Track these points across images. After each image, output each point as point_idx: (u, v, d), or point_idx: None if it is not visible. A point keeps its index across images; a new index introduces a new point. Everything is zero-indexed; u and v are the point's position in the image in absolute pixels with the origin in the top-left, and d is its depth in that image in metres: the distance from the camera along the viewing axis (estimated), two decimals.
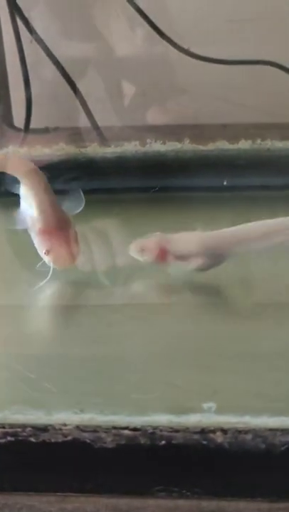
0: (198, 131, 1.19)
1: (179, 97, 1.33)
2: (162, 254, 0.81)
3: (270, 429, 0.55)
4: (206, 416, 0.57)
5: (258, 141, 1.05)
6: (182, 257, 0.81)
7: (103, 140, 1.15)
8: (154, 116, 1.31)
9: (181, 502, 0.59)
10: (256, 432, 0.55)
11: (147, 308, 0.80)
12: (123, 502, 0.59)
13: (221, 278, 0.83)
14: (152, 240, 0.82)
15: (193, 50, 1.24)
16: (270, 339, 0.72)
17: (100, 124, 1.19)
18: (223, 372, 0.67)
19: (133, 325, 0.77)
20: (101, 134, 1.18)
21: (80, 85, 1.23)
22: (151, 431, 0.56)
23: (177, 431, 0.56)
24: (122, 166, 1.06)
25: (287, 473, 0.57)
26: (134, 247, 0.83)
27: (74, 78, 1.20)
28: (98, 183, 1.05)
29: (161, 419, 0.57)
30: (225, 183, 1.02)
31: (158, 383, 0.64)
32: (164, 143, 1.07)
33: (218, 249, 0.81)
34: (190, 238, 0.81)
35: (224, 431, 0.56)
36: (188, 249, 0.80)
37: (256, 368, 0.67)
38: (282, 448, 0.55)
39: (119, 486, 0.59)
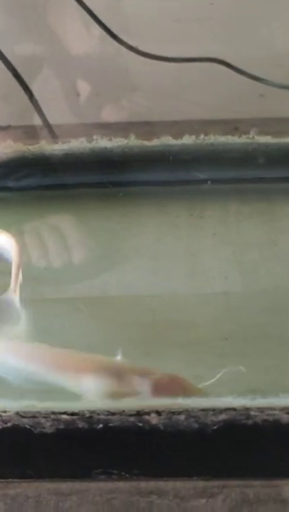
0: (149, 128, 1.21)
1: (130, 95, 1.35)
2: None
3: (202, 410, 0.58)
4: (141, 398, 0.59)
5: (202, 136, 1.07)
6: None
7: (55, 138, 1.16)
8: (107, 114, 1.33)
9: (120, 484, 0.61)
10: (189, 413, 0.57)
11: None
12: (65, 486, 0.61)
13: None
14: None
15: (143, 49, 1.26)
16: None
17: (52, 122, 1.21)
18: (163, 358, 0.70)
19: (78, 316, 0.79)
20: (52, 132, 1.19)
21: (32, 84, 1.24)
22: (88, 415, 0.58)
23: (113, 414, 0.58)
24: (70, 163, 1.08)
25: (220, 452, 0.59)
26: None
27: (26, 77, 1.20)
28: (47, 179, 1.06)
29: (98, 403, 0.59)
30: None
31: None
32: (111, 139, 1.09)
33: None
34: None
35: (158, 412, 0.58)
36: None
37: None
38: (214, 427, 0.57)
39: (60, 470, 0.61)
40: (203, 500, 0.59)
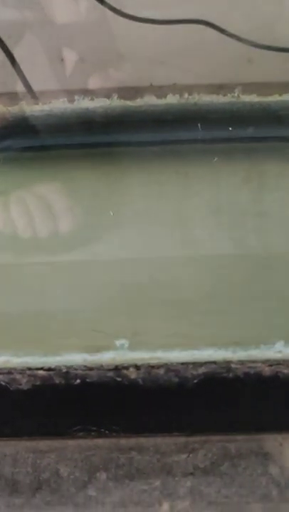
0: (134, 93, 1.18)
1: (116, 60, 1.32)
2: None
3: (182, 363, 0.56)
4: (120, 353, 0.57)
5: (185, 95, 1.05)
6: None
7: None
8: (91, 80, 1.30)
9: (100, 441, 0.60)
10: (168, 367, 0.56)
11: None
12: (43, 444, 0.60)
13: None
14: None
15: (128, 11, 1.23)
16: None
17: (36, 88, 1.18)
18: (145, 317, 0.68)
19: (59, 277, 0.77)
20: (36, 98, 1.16)
21: (15, 50, 1.21)
22: (65, 370, 0.56)
23: (91, 369, 0.56)
24: (51, 124, 1.05)
25: (200, 406, 0.58)
26: None
27: (9, 43, 1.17)
28: (28, 141, 1.04)
29: (75, 358, 0.57)
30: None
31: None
32: (93, 99, 1.06)
33: None
34: None
35: (137, 367, 0.56)
36: None
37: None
38: (195, 381, 0.56)
39: (37, 427, 0.59)
40: (184, 456, 0.58)
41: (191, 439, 0.59)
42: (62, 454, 0.59)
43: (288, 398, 0.57)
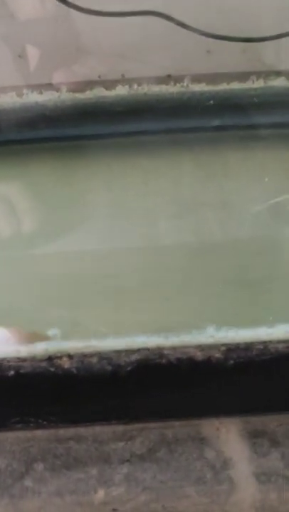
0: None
1: (73, 55, 1.32)
2: None
3: (115, 351, 0.56)
4: (52, 343, 0.57)
5: (135, 86, 1.05)
6: None
7: None
8: (49, 76, 1.30)
9: (38, 432, 0.60)
10: (101, 355, 0.56)
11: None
12: None
13: None
14: None
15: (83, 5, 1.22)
16: None
17: None
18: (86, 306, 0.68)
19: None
20: None
21: None
22: None
23: (24, 360, 0.56)
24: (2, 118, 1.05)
25: (136, 394, 0.58)
26: None
27: None
28: None
29: (8, 349, 0.57)
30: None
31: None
32: (41, 92, 1.06)
33: None
34: None
35: (70, 356, 0.56)
36: None
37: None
38: (128, 368, 0.56)
39: None
40: (122, 443, 0.58)
41: (129, 426, 0.59)
42: (1, 446, 0.59)
43: (222, 382, 0.57)
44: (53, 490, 0.55)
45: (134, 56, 1.27)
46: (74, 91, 1.06)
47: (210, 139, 1.01)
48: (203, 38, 1.21)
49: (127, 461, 0.57)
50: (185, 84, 1.07)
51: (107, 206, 0.92)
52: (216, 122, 1.03)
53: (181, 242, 0.81)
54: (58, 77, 1.28)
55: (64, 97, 1.06)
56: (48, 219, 0.89)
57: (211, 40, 1.22)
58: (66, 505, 0.55)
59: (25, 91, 1.06)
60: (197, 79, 1.12)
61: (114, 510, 0.54)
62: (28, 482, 0.56)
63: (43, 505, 0.55)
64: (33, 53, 1.31)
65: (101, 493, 0.55)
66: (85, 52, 1.27)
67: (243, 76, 1.12)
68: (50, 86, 1.08)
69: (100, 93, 1.06)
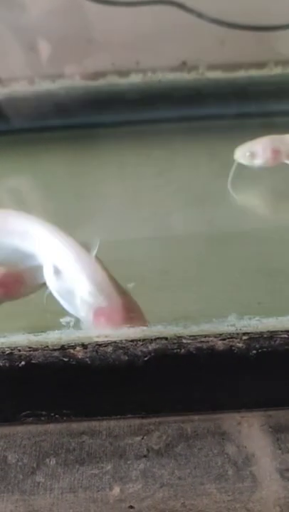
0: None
1: (85, 46, 1.29)
2: (275, 155, 0.80)
3: (131, 340, 0.53)
4: (65, 331, 0.54)
5: (149, 74, 1.02)
6: None
7: None
8: (61, 67, 1.27)
9: (50, 426, 0.57)
10: (117, 344, 0.53)
11: None
12: None
13: None
14: (262, 141, 0.81)
15: None
16: None
17: (6, 76, 1.14)
18: None
19: None
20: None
21: None
22: (8, 352, 0.54)
23: (36, 349, 0.54)
24: (12, 107, 1.02)
25: (153, 386, 0.55)
26: (242, 153, 0.80)
27: None
28: None
29: (19, 338, 0.54)
30: None
31: None
32: (54, 81, 1.03)
33: None
34: None
35: (84, 345, 0.53)
36: None
37: None
38: (145, 358, 0.53)
39: None
40: (138, 438, 0.55)
41: (146, 420, 0.56)
42: (10, 440, 0.56)
43: (244, 374, 0.54)
44: (66, 486, 0.52)
45: (147, 47, 1.25)
46: (87, 79, 1.04)
47: (226, 127, 0.98)
48: (217, 28, 1.18)
49: (144, 456, 0.54)
50: (200, 71, 1.04)
51: (119, 196, 0.89)
52: (234, 110, 1.00)
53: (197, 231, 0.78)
54: (70, 68, 1.26)
55: (77, 84, 1.03)
56: (59, 210, 0.86)
57: (224, 30, 1.20)
58: (79, 502, 0.52)
59: (36, 79, 1.04)
60: (213, 67, 1.09)
61: (130, 507, 0.51)
62: (39, 478, 0.53)
63: (55, 501, 0.52)
64: (44, 46, 1.29)
65: (116, 490, 0.52)
66: (97, 43, 1.25)
67: (259, 65, 1.10)
68: (62, 76, 1.05)
69: (113, 80, 1.03)
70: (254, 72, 1.04)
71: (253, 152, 0.81)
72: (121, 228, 0.81)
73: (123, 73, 1.05)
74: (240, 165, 0.82)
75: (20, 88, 1.04)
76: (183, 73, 1.02)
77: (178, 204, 0.82)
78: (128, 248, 0.75)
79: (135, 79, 1.02)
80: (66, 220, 0.84)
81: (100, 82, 1.03)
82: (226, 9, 1.17)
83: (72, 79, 1.04)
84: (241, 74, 1.03)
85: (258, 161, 0.81)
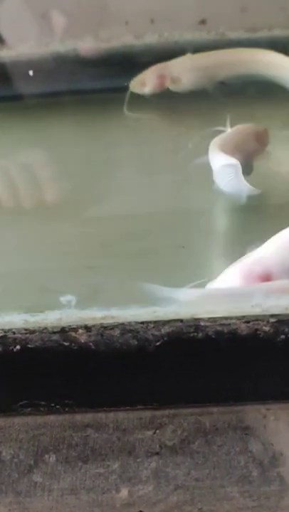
0: None
1: (100, 16, 1.22)
2: (161, 81, 0.88)
3: (141, 322, 0.47)
4: (66, 312, 0.48)
5: (165, 34, 0.94)
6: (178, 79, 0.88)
7: None
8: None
9: (51, 417, 0.51)
10: (125, 327, 0.47)
11: None
12: None
13: None
14: (149, 70, 0.89)
15: None
16: None
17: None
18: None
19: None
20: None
21: None
22: (1, 334, 0.47)
23: (33, 332, 0.47)
24: (19, 71, 0.95)
25: (167, 374, 0.49)
26: (135, 83, 0.88)
27: None
28: None
29: (14, 319, 0.48)
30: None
31: None
32: (63, 42, 0.96)
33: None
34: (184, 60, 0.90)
35: (87, 328, 0.47)
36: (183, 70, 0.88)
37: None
38: (157, 343, 0.47)
39: None
40: (149, 433, 0.49)
41: (158, 412, 0.50)
42: (5, 434, 0.50)
43: (271, 361, 0.48)
44: (67, 487, 0.46)
45: (164, 13, 1.17)
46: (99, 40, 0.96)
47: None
48: None
49: (156, 454, 0.47)
50: (221, 31, 0.96)
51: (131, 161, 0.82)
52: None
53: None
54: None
55: (86, 46, 0.96)
56: (69, 178, 0.79)
57: None
58: (82, 506, 0.46)
59: (45, 41, 0.97)
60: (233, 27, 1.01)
61: None
62: (37, 477, 0.47)
63: (54, 504, 0.46)
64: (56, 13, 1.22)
65: (124, 492, 0.45)
66: (110, 13, 1.17)
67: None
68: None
69: (127, 41, 0.96)
70: (279, 32, 0.95)
71: (143, 81, 0.89)
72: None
73: (137, 34, 0.97)
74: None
75: (28, 50, 0.97)
76: (202, 32, 0.94)
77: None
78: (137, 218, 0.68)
79: (150, 39, 0.95)
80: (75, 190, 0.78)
81: (113, 44, 0.96)
82: None
83: (83, 40, 0.96)
84: (265, 33, 0.95)
85: (147, 89, 0.88)
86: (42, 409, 0.50)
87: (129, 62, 0.95)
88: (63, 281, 0.56)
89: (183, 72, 0.89)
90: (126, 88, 0.93)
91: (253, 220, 0.65)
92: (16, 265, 0.62)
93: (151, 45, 0.95)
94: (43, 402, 0.50)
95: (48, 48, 0.97)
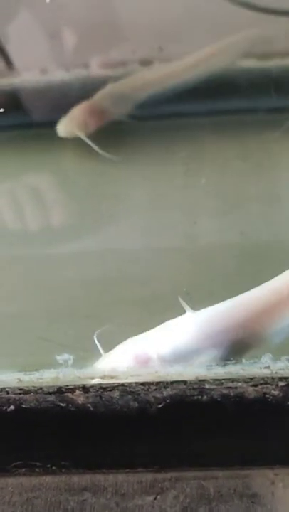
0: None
1: (112, 36, 1.20)
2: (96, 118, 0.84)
3: (142, 384, 0.44)
4: (63, 371, 0.45)
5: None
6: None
7: None
8: (84, 58, 1.19)
9: (47, 478, 0.48)
10: (125, 388, 0.44)
11: None
12: None
13: None
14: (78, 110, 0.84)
15: None
16: None
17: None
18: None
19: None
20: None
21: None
22: None
23: (27, 392, 0.44)
24: (22, 99, 0.93)
25: (169, 437, 0.46)
26: (67, 128, 0.83)
27: None
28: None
29: (8, 378, 0.45)
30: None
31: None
32: (68, 70, 0.94)
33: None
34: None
35: (85, 389, 0.44)
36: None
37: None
38: (159, 405, 0.44)
39: None
40: (150, 498, 0.46)
41: (160, 475, 0.47)
42: None
43: (280, 426, 0.45)
44: None
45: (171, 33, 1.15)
46: (107, 68, 0.94)
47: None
48: (247, 13, 1.08)
49: None
50: None
51: (143, 199, 0.79)
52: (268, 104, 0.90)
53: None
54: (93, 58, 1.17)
55: (93, 74, 0.94)
56: (77, 213, 0.77)
57: (256, 15, 1.09)
58: None
59: (49, 68, 0.95)
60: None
61: None
62: None
63: None
64: (66, 33, 1.20)
65: None
66: (120, 31, 1.16)
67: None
68: (81, 65, 0.96)
69: (134, 69, 0.94)
70: None
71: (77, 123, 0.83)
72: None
73: (145, 62, 0.95)
74: None
75: (33, 78, 0.95)
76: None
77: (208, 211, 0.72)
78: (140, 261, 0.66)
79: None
80: (83, 223, 0.75)
81: (119, 72, 0.94)
82: None
83: (88, 69, 0.94)
84: (277, 63, 0.93)
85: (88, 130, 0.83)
86: (37, 469, 0.48)
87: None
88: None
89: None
90: (134, 117, 0.91)
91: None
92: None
93: None
94: (38, 463, 0.47)
95: (53, 76, 0.95)
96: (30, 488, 0.47)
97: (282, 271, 0.53)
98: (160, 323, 0.51)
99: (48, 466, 0.47)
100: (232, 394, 0.43)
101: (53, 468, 0.47)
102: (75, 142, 0.88)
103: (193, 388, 0.44)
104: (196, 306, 0.52)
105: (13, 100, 0.95)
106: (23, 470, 0.48)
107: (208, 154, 0.84)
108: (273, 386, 0.43)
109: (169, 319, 0.51)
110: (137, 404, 0.44)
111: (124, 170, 0.81)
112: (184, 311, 0.51)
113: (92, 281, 0.62)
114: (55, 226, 0.76)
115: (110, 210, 0.76)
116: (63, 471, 0.48)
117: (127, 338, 0.50)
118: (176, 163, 0.83)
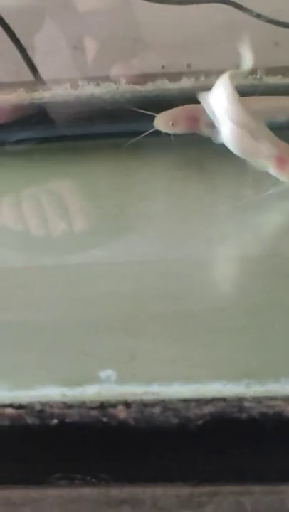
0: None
1: (131, 46, 1.22)
2: (193, 123, 0.83)
3: (183, 400, 0.45)
4: (105, 387, 0.46)
5: (202, 78, 0.93)
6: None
7: None
8: (106, 68, 1.20)
9: (86, 490, 0.49)
10: (166, 404, 0.45)
11: None
12: (17, 494, 0.49)
13: None
14: (182, 109, 0.84)
15: None
16: None
17: (48, 77, 1.07)
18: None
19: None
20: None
21: (29, 38, 1.11)
22: (39, 408, 0.46)
23: (71, 407, 0.46)
24: (52, 112, 0.95)
25: (207, 451, 0.47)
26: (162, 120, 0.83)
27: (22, 30, 1.07)
28: (25, 133, 0.93)
29: (52, 392, 0.47)
30: None
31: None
32: (98, 84, 0.95)
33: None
34: None
35: (127, 404, 0.45)
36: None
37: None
38: (199, 422, 0.45)
39: (10, 475, 0.49)
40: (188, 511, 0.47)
41: (198, 490, 0.48)
42: (39, 507, 0.48)
43: None
44: None
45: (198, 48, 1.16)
46: (134, 83, 0.96)
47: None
48: (271, 28, 1.09)
49: None
50: (258, 76, 0.95)
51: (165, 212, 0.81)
52: None
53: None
54: (116, 70, 1.18)
55: (122, 89, 0.95)
56: (99, 225, 0.78)
57: (279, 30, 1.10)
58: None
59: (80, 83, 0.96)
60: (271, 71, 1.00)
61: None
62: None
63: None
64: (89, 45, 1.22)
65: None
66: (145, 44, 1.17)
67: None
68: (107, 78, 0.97)
69: (162, 85, 0.95)
70: None
71: (171, 119, 0.84)
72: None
73: (173, 77, 0.97)
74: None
75: (63, 92, 0.97)
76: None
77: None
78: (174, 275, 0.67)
79: (187, 83, 0.94)
80: (105, 236, 0.76)
81: (149, 87, 0.95)
82: (281, 8, 1.09)
83: (117, 83, 0.96)
84: None
85: (175, 129, 0.84)
86: (77, 481, 0.49)
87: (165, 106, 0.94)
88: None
89: None
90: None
91: None
92: None
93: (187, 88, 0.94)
94: (78, 475, 0.49)
95: (83, 90, 0.96)
96: (70, 500, 0.49)
97: None
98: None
99: (88, 478, 0.48)
100: (271, 412, 0.44)
101: (92, 480, 0.49)
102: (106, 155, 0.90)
103: (233, 406, 0.45)
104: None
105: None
106: (63, 482, 0.49)
107: None
108: None
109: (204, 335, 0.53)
110: (177, 420, 0.45)
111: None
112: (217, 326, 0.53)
113: (127, 294, 0.63)
114: (90, 237, 0.77)
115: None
116: (102, 483, 0.49)
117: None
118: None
